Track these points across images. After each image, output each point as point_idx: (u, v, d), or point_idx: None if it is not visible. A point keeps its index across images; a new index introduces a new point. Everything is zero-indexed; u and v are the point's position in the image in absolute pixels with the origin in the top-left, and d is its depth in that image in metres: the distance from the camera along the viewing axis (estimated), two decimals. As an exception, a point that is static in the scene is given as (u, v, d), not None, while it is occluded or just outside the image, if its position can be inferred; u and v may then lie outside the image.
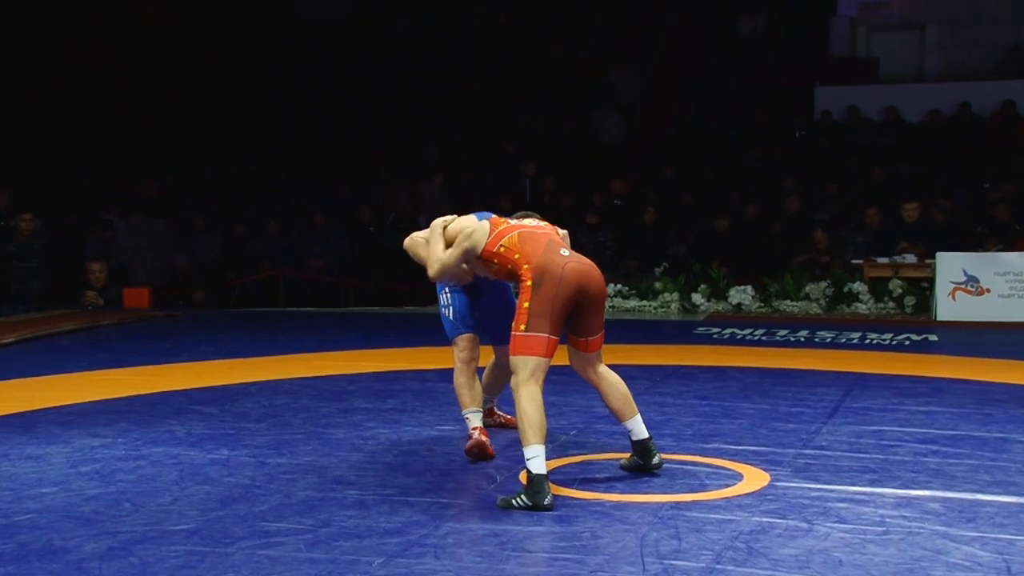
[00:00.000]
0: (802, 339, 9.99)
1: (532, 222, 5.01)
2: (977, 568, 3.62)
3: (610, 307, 12.90)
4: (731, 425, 6.07)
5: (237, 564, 3.74)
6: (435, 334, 10.99)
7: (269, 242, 15.26)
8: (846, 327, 10.90)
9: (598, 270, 4.78)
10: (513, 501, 4.40)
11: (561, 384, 7.32)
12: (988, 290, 11.67)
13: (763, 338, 10.07)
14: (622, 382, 4.92)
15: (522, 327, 4.56)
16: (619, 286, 12.94)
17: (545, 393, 6.69)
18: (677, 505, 4.43)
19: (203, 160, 17.32)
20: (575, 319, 4.73)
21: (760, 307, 12.44)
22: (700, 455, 5.32)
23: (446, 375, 7.89)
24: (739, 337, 10.17)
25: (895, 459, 5.22)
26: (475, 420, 5.37)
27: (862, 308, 12.29)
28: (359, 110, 18.20)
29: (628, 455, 5.00)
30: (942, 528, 4.08)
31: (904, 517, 4.24)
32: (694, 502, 4.49)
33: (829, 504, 4.43)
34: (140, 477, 4.97)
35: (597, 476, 4.95)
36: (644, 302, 12.80)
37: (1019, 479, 4.81)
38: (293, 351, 9.33)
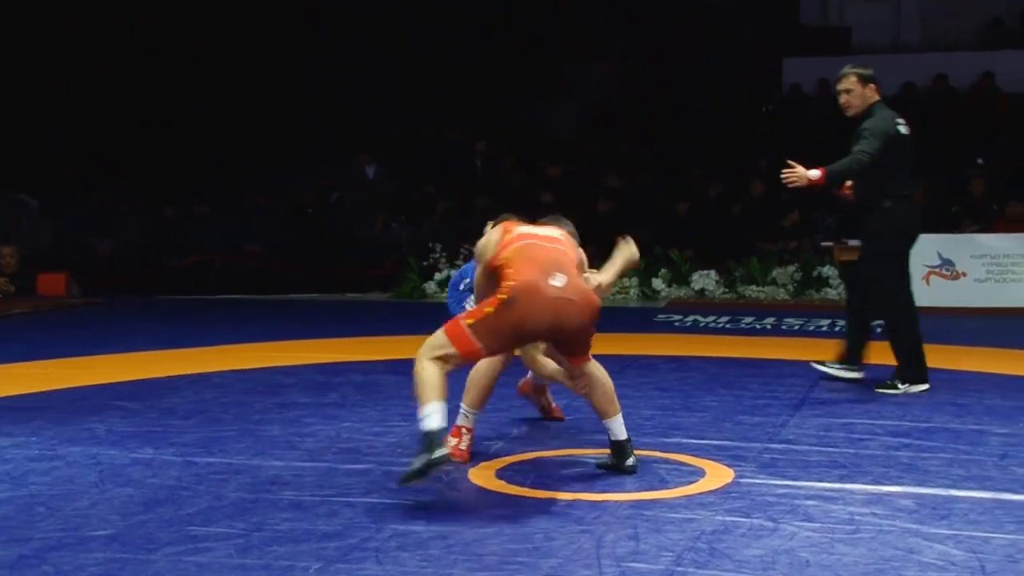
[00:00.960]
0: (768, 326, 10.07)
1: (551, 232, 4.86)
2: (950, 568, 3.66)
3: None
4: (693, 418, 6.10)
5: (161, 572, 3.70)
6: (379, 323, 10.99)
7: (201, 225, 15.15)
8: (815, 313, 10.99)
9: (586, 304, 4.64)
10: (412, 468, 4.37)
11: (511, 375, 7.32)
12: (964, 274, 11.82)
13: (727, 326, 10.13)
14: (607, 380, 4.88)
15: (470, 322, 4.56)
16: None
17: (495, 385, 6.67)
18: (636, 504, 4.44)
19: (129, 138, 17.13)
20: (557, 343, 4.78)
21: (724, 293, 12.52)
22: (660, 450, 5.33)
23: (391, 367, 7.89)
24: (702, 325, 10.23)
25: (865, 453, 5.26)
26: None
27: (832, 293, 12.39)
28: (301, 87, 18.08)
29: (595, 451, 5.02)
30: (914, 526, 4.12)
31: (875, 514, 4.27)
32: (654, 500, 4.50)
33: (796, 501, 4.46)
34: (55, 479, 4.90)
35: (550, 474, 4.95)
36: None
37: (995, 474, 4.87)
38: (225, 341, 9.27)
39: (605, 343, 8.84)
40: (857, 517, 4.24)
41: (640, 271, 12.63)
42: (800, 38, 18.17)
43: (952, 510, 4.33)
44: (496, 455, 5.26)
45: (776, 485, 4.70)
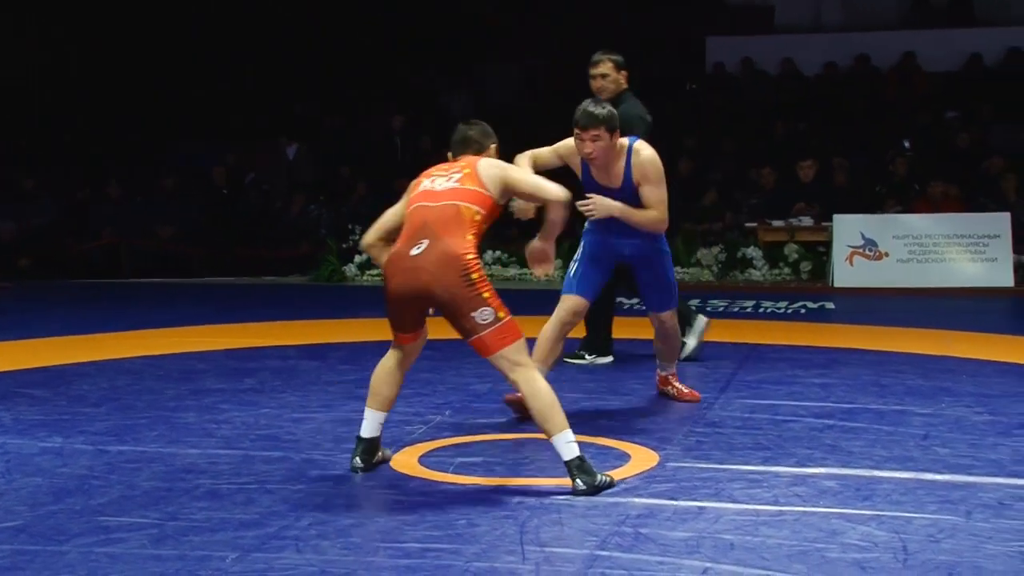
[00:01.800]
0: (693, 308, 10.13)
1: (441, 182, 4.66)
2: (873, 548, 3.73)
3: (489, 275, 12.92)
4: (618, 401, 6.14)
5: (72, 564, 3.65)
6: (297, 307, 10.91)
7: (112, 207, 14.93)
8: (739, 295, 11.11)
9: (447, 269, 4.42)
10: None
11: (436, 360, 7.32)
12: (886, 254, 12.03)
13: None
14: (542, 395, 4.46)
15: None
16: (498, 252, 12.98)
17: (416, 369, 6.71)
18: (560, 488, 4.45)
19: (36, 116, 16.81)
20: (442, 314, 4.55)
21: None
22: (585, 434, 5.34)
23: (309, 351, 7.85)
24: (626, 307, 10.27)
25: (790, 435, 5.33)
26: None
27: (756, 275, 12.55)
28: (216, 62, 17.84)
29: (520, 435, 5.02)
30: (838, 507, 4.18)
31: (799, 496, 4.33)
32: (578, 485, 4.52)
33: (721, 484, 4.50)
34: (-39, 470, 4.81)
35: (474, 459, 4.95)
36: (525, 270, 12.86)
37: (916, 454, 4.96)
38: (137, 327, 9.15)
39: (527, 326, 8.84)
40: (781, 499, 4.30)
41: (564, 252, 12.65)
42: (723, 17, 18.30)
43: (875, 491, 4.40)
44: (418, 441, 5.25)
45: (701, 468, 4.75)
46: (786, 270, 12.61)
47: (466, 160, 4.80)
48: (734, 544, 3.78)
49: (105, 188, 15.12)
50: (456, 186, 4.64)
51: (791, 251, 12.61)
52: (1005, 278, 11.80)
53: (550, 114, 16.53)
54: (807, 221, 12.70)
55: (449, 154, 4.97)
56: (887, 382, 6.64)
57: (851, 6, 18.18)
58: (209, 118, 16.94)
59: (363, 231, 14.36)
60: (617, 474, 4.63)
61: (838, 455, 4.96)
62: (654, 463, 4.84)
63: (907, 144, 14.71)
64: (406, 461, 4.89)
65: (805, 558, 3.64)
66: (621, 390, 6.43)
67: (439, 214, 4.56)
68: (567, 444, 4.41)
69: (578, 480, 4.35)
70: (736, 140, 15.14)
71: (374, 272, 13.35)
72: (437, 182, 4.70)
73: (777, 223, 12.82)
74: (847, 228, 12.13)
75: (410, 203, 4.70)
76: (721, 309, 10.13)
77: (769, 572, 3.52)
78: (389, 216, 4.83)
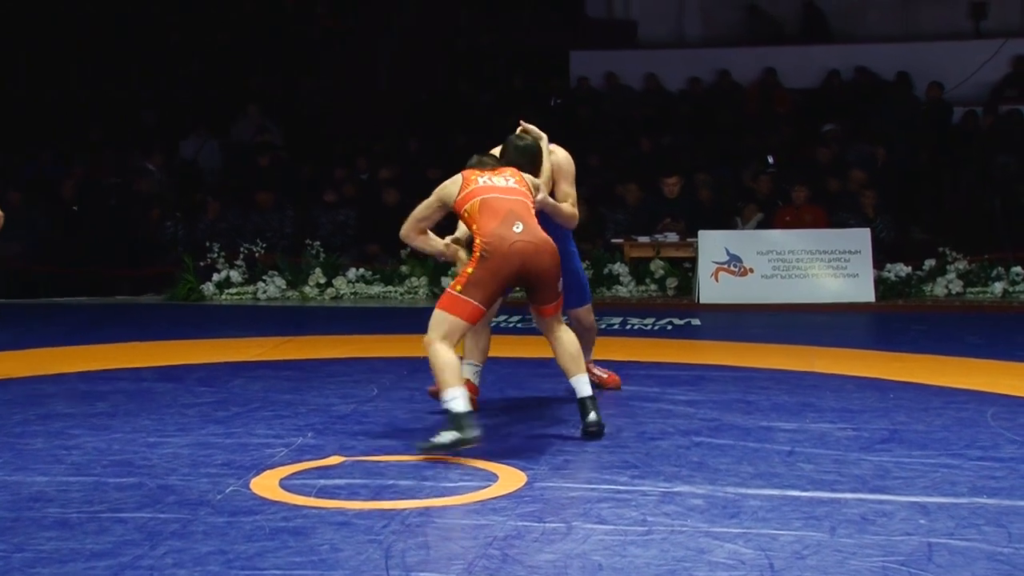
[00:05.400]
0: (560, 325, 10.22)
1: (500, 181, 5.61)
2: (740, 567, 3.79)
3: (352, 293, 12.87)
4: (485, 421, 6.13)
5: (-89, 602, 3.52)
6: (153, 327, 10.70)
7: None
8: (606, 311, 11.20)
9: (549, 245, 5.49)
10: (434, 440, 5.18)
11: (297, 381, 7.25)
12: (751, 270, 12.27)
13: (518, 325, 10.24)
14: (574, 342, 5.66)
15: (458, 288, 5.36)
16: (361, 271, 12.93)
17: (277, 390, 6.64)
18: (426, 511, 4.45)
19: None
20: (528, 290, 5.57)
21: (515, 292, 12.65)
22: (452, 455, 5.35)
23: (165, 373, 7.71)
24: (492, 324, 10.30)
25: (657, 453, 5.40)
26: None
27: (623, 291, 12.69)
28: (65, 65, 17.41)
29: (385, 457, 5.15)
30: (705, 526, 4.25)
31: (666, 515, 4.39)
32: (445, 507, 4.52)
33: (589, 504, 4.54)
34: None
35: (337, 482, 4.91)
36: (390, 288, 12.82)
37: (782, 470, 5.07)
38: (-20, 349, 8.88)
39: (393, 345, 8.85)
40: (649, 518, 4.35)
41: (429, 270, 12.65)
42: (587, 31, 18.51)
43: (742, 508, 4.48)
44: (280, 464, 5.19)
45: (569, 488, 4.79)
46: (652, 286, 12.78)
47: (509, 169, 5.78)
48: (602, 565, 3.82)
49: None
50: (515, 187, 5.63)
51: (657, 267, 12.79)
52: (866, 293, 12.13)
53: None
54: (672, 237, 12.88)
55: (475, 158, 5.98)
56: (753, 398, 6.77)
57: (711, 22, 18.54)
58: (58, 129, 16.52)
59: (221, 248, 14.06)
60: (484, 495, 4.65)
61: (705, 472, 5.04)
62: (521, 483, 4.86)
63: (771, 160, 15.02)
64: (267, 485, 4.83)
65: (673, 577, 3.69)
66: (487, 408, 6.44)
67: (517, 205, 5.52)
68: (585, 384, 5.41)
69: (591, 414, 5.44)
70: (601, 155, 15.29)
71: (232, 291, 13.16)
72: (495, 180, 5.62)
73: (643, 239, 12.98)
74: (712, 244, 12.35)
75: (473, 194, 5.52)
76: (588, 326, 10.21)
77: (638, 592, 3.56)
78: (422, 209, 5.74)
